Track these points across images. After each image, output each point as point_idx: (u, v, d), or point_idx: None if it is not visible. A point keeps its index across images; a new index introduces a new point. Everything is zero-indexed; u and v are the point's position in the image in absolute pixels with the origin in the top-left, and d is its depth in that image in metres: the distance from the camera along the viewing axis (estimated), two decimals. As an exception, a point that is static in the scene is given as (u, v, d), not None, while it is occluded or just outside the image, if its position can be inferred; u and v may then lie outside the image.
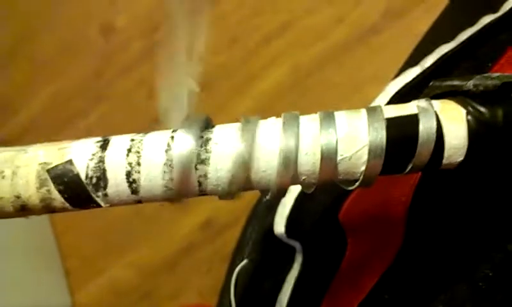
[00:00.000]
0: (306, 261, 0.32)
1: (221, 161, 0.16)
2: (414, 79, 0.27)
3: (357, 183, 0.17)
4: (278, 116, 0.18)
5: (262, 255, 0.35)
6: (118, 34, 1.08)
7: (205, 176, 0.16)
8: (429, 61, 0.27)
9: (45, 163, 0.16)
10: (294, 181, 0.16)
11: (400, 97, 0.27)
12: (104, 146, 0.17)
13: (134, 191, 0.16)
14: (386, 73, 0.94)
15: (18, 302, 0.87)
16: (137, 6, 1.08)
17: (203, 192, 0.17)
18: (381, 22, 0.93)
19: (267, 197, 0.17)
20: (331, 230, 0.29)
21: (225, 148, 0.16)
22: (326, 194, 0.30)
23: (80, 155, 0.16)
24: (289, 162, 0.16)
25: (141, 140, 0.17)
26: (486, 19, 0.26)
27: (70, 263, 1.02)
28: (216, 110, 0.98)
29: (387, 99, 0.28)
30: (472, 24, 0.27)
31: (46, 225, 1.03)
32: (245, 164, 0.16)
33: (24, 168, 0.16)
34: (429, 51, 0.28)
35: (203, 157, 0.16)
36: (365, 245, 0.28)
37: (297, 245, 0.32)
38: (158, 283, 0.99)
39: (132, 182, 0.16)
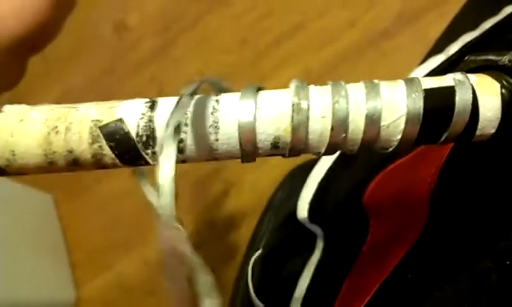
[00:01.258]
0: (327, 247, 0.32)
1: (263, 124, 0.17)
2: (439, 66, 0.28)
3: (391, 149, 0.18)
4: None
5: (281, 243, 0.36)
6: (130, 32, 1.09)
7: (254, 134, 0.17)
8: (453, 48, 0.28)
9: (97, 120, 0.17)
10: (342, 143, 0.17)
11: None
12: (152, 106, 0.17)
13: (181, 150, 0.17)
14: (398, 77, 0.95)
15: (24, 294, 0.88)
16: (150, 5, 1.09)
17: (252, 153, 0.17)
18: (393, 26, 0.93)
19: (318, 156, 0.17)
20: (353, 213, 0.30)
21: (269, 111, 0.17)
22: (349, 179, 0.30)
23: (130, 114, 0.17)
24: (340, 125, 0.17)
25: (189, 100, 0.17)
26: (509, 8, 0.27)
27: (76, 256, 1.03)
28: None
29: (412, 85, 0.29)
30: (494, 14, 0.28)
31: (53, 218, 1.04)
32: (289, 127, 0.17)
33: (77, 124, 0.17)
34: (452, 40, 0.29)
35: (244, 118, 0.17)
36: (388, 227, 0.28)
37: (318, 230, 0.33)
38: (163, 280, 0.99)
39: (179, 142, 0.17)
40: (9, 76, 0.35)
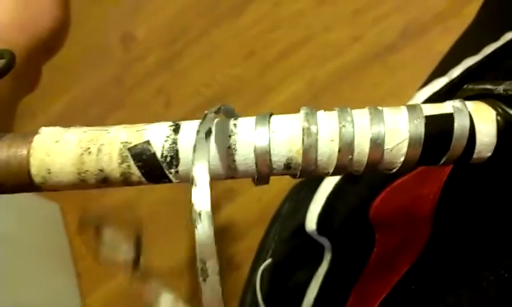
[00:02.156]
0: (334, 258, 0.34)
1: (277, 146, 0.19)
2: (442, 88, 0.30)
3: (394, 170, 0.19)
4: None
5: (290, 254, 0.37)
6: (138, 44, 1.11)
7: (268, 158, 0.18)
8: (456, 72, 0.30)
9: (126, 142, 0.18)
10: (350, 164, 0.19)
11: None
12: (176, 129, 0.19)
13: (201, 170, 0.19)
14: (403, 91, 0.96)
15: (30, 301, 0.89)
16: (158, 18, 1.11)
17: (265, 174, 0.19)
18: (398, 41, 0.95)
19: (327, 176, 0.19)
20: (360, 227, 0.31)
21: (281, 135, 0.19)
22: (356, 194, 0.32)
23: (156, 136, 0.19)
24: (346, 148, 0.18)
25: (213, 118, 0.19)
26: (510, 35, 0.28)
27: (82, 265, 1.04)
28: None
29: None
30: (495, 39, 0.29)
31: (60, 227, 1.05)
32: (300, 149, 0.18)
33: (107, 146, 0.18)
34: (455, 63, 0.30)
35: (260, 143, 0.19)
36: (394, 241, 0.30)
37: (326, 242, 0.34)
38: (169, 288, 1.00)
39: (200, 162, 0.18)
40: (29, 79, 0.37)
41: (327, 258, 0.35)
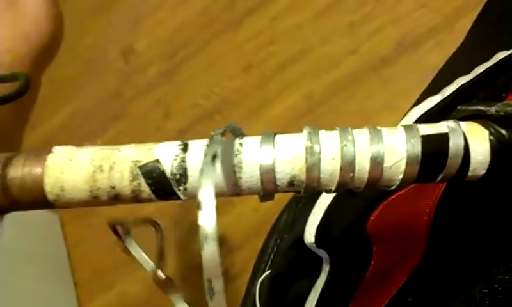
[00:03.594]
0: (333, 270, 0.35)
1: (281, 164, 0.20)
2: (435, 106, 0.31)
3: (393, 187, 0.20)
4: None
5: (288, 265, 0.38)
6: (138, 56, 1.12)
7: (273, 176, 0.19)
8: (448, 90, 0.31)
9: (137, 160, 0.19)
10: (351, 182, 0.20)
11: (422, 121, 0.30)
12: (184, 148, 0.20)
13: (208, 187, 0.19)
14: (397, 103, 0.98)
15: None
16: (158, 31, 1.12)
17: (271, 191, 0.20)
18: (393, 55, 0.96)
19: (330, 192, 0.20)
20: (358, 240, 0.32)
21: (285, 154, 0.20)
22: (354, 207, 0.33)
23: (165, 155, 0.20)
24: (348, 166, 0.19)
25: (219, 139, 0.20)
26: (501, 55, 0.29)
27: (80, 275, 1.04)
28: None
29: (411, 122, 0.31)
30: (487, 59, 0.30)
31: (58, 236, 1.05)
32: (303, 168, 0.19)
33: (119, 164, 0.19)
34: (448, 82, 0.31)
35: (265, 161, 0.20)
36: (391, 253, 0.31)
37: (324, 255, 0.35)
38: (167, 299, 1.00)
39: (207, 179, 0.19)
40: (34, 89, 0.38)
41: (325, 270, 0.36)
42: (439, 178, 0.21)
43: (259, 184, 0.20)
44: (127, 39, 1.14)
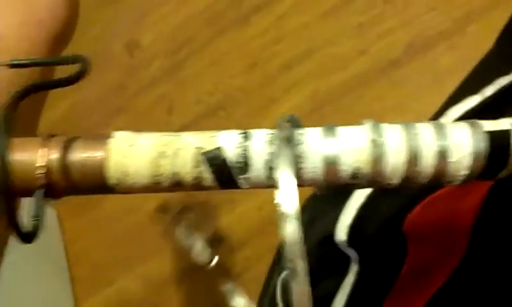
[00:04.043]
0: (362, 270, 0.34)
1: (345, 156, 0.19)
2: (475, 106, 0.31)
3: (455, 183, 0.20)
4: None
5: (314, 264, 0.37)
6: (142, 51, 1.11)
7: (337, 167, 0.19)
8: (488, 91, 0.31)
9: (200, 147, 0.19)
10: (415, 176, 0.19)
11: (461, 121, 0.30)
12: (246, 137, 0.20)
13: (270, 177, 0.19)
14: (407, 105, 0.97)
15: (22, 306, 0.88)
16: (163, 26, 1.11)
17: (335, 182, 0.19)
18: (403, 56, 0.96)
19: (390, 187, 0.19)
20: (392, 239, 0.32)
21: (350, 146, 0.19)
22: (389, 206, 0.33)
23: (228, 143, 0.19)
24: (413, 160, 0.19)
25: (276, 134, 0.19)
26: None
27: (78, 271, 1.03)
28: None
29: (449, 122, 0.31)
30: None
31: (56, 233, 1.04)
32: (367, 160, 0.19)
33: (182, 150, 0.19)
34: (487, 82, 0.31)
35: (329, 152, 0.19)
36: (429, 253, 0.30)
37: (353, 253, 0.35)
38: (165, 297, 1.00)
39: (269, 169, 0.19)
40: (51, 75, 0.37)
41: (353, 269, 0.36)
42: (498, 175, 0.20)
43: (321, 175, 0.20)
44: (132, 33, 1.14)
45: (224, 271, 0.97)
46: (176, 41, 1.11)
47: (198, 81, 1.08)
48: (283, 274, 0.42)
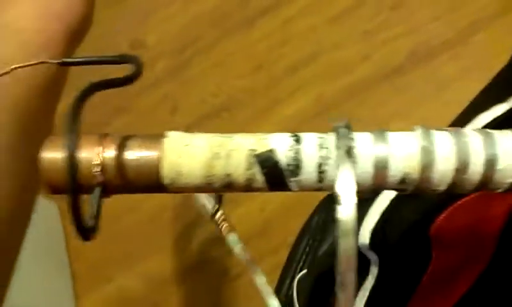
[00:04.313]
0: (382, 274, 0.35)
1: (395, 162, 0.20)
2: (503, 114, 0.31)
3: (499, 191, 0.20)
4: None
5: (329, 267, 0.38)
6: (147, 50, 1.11)
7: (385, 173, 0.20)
8: (517, 100, 0.31)
9: (252, 149, 0.19)
10: (462, 183, 0.20)
11: (490, 128, 0.31)
12: (297, 140, 0.20)
13: (320, 180, 0.20)
14: (409, 112, 0.98)
15: (22, 302, 0.87)
16: (168, 26, 1.11)
17: (382, 187, 0.20)
18: (406, 64, 0.97)
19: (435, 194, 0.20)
20: (416, 243, 0.32)
21: (400, 151, 0.20)
22: (413, 211, 0.33)
23: (280, 145, 0.20)
24: (462, 167, 0.19)
25: (326, 138, 0.20)
26: None
27: (78, 267, 1.03)
28: (238, 132, 1.01)
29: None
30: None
31: (57, 227, 1.04)
32: (417, 166, 0.20)
33: (235, 151, 0.19)
34: (512, 91, 0.32)
35: (379, 157, 0.20)
36: (453, 257, 0.31)
37: (374, 257, 0.35)
38: (166, 296, 0.99)
39: (321, 172, 0.20)
40: (65, 71, 0.38)
41: (373, 272, 0.36)
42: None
43: (370, 180, 0.20)
44: (137, 32, 1.13)
45: (224, 271, 0.97)
46: (181, 42, 1.11)
47: (202, 82, 1.08)
48: (298, 276, 0.42)
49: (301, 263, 0.48)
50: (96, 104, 1.03)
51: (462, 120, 0.35)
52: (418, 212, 0.32)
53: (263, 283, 0.26)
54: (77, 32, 0.38)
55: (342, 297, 0.17)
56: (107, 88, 0.20)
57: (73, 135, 0.16)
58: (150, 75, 1.09)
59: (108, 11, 1.13)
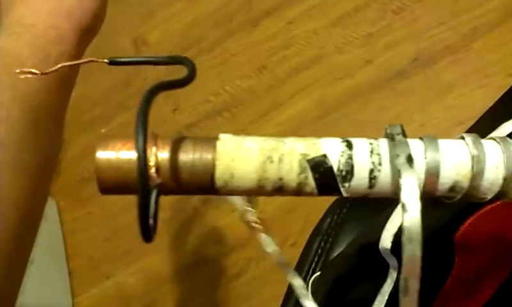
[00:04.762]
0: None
1: (446, 169, 0.20)
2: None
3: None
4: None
5: (353, 268, 0.38)
6: (150, 48, 1.11)
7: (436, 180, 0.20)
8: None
9: (305, 154, 0.20)
10: (508, 192, 0.20)
11: (514, 137, 0.31)
12: (349, 145, 0.20)
13: (371, 186, 0.20)
14: (411, 116, 0.99)
15: (19, 298, 0.87)
16: (172, 24, 1.11)
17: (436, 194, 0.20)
18: (408, 68, 0.98)
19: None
20: (439, 249, 0.32)
21: (452, 160, 0.20)
22: (438, 216, 0.33)
23: (332, 150, 0.20)
24: (511, 176, 0.20)
25: (379, 144, 0.20)
26: None
27: (76, 264, 1.02)
28: (239, 132, 1.02)
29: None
30: None
31: (56, 223, 1.03)
32: (467, 174, 0.20)
33: (287, 156, 0.19)
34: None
35: (431, 164, 0.20)
36: (476, 264, 0.31)
37: (393, 261, 0.36)
38: (163, 294, 0.99)
39: (372, 178, 0.20)
40: (77, 67, 0.38)
41: (392, 276, 0.36)
42: None
43: (421, 186, 0.20)
44: (140, 29, 1.13)
45: (221, 270, 0.97)
46: (184, 40, 1.11)
47: (205, 81, 1.08)
48: (314, 277, 0.43)
49: (313, 265, 0.48)
50: (99, 100, 1.03)
51: (482, 127, 0.35)
52: (442, 218, 0.33)
53: (300, 286, 0.26)
54: (89, 29, 0.38)
55: (404, 303, 0.17)
56: (169, 89, 0.20)
57: (143, 136, 0.16)
58: (152, 73, 1.09)
59: (111, 9, 1.13)
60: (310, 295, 0.25)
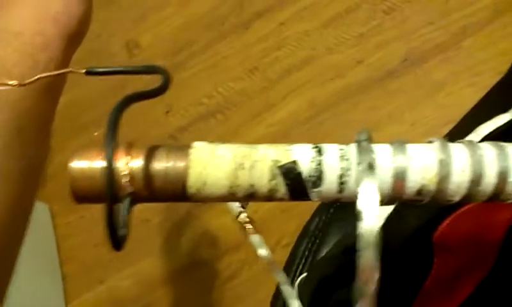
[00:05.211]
0: (383, 278, 0.35)
1: (413, 173, 0.20)
2: (504, 124, 0.32)
3: (510, 201, 0.21)
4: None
5: (337, 270, 0.39)
6: (142, 51, 1.11)
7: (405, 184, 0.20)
8: (519, 109, 0.32)
9: (276, 160, 0.20)
10: (475, 194, 0.21)
11: (491, 139, 0.32)
12: (319, 151, 0.21)
13: (341, 191, 0.20)
14: (401, 116, 1.00)
15: (12, 303, 0.87)
16: (164, 27, 1.11)
17: (405, 198, 0.21)
18: (399, 68, 0.98)
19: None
20: (418, 249, 0.33)
21: (418, 163, 0.21)
22: (417, 217, 0.34)
23: (302, 157, 0.20)
24: (477, 179, 0.20)
25: (347, 149, 0.21)
26: None
27: (69, 268, 1.02)
28: (232, 133, 1.02)
29: (478, 139, 0.33)
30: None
31: (49, 228, 1.03)
32: (434, 178, 0.20)
33: (259, 162, 0.20)
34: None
35: (398, 168, 0.20)
36: (455, 264, 0.32)
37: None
38: (157, 297, 1.00)
39: (341, 183, 0.20)
40: (64, 75, 0.38)
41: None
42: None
43: (388, 190, 0.21)
44: (132, 33, 1.13)
45: (215, 273, 0.97)
46: (176, 43, 1.11)
47: (197, 84, 1.08)
48: (300, 278, 0.43)
49: (300, 266, 0.48)
50: (92, 104, 1.03)
51: (462, 129, 0.36)
52: (421, 218, 0.33)
53: (286, 286, 0.26)
54: (76, 34, 0.38)
55: (360, 306, 0.17)
56: (141, 100, 0.20)
57: (111, 146, 0.17)
58: (145, 76, 1.09)
59: (103, 12, 1.13)
60: (296, 296, 0.26)
